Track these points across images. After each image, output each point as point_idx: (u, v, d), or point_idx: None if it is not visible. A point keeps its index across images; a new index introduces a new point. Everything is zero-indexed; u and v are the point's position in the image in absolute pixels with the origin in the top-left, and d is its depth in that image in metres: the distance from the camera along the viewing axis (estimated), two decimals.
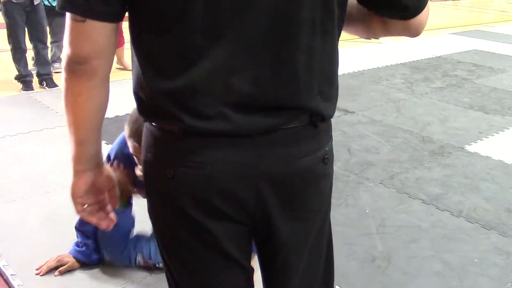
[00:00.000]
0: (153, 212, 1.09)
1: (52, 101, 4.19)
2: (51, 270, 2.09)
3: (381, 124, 3.99)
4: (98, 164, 1.07)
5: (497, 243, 2.45)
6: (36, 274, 2.08)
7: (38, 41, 4.50)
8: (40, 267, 2.10)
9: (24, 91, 4.50)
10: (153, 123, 1.01)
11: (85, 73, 0.94)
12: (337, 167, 3.20)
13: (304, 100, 0.98)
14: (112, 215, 1.13)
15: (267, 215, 1.03)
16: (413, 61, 6.25)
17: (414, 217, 2.66)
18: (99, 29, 0.91)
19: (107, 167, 1.11)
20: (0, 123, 3.57)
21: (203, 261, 1.07)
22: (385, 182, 3.03)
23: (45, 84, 4.62)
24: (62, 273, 2.09)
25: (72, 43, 0.93)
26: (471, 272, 2.23)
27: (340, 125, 3.95)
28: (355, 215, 2.65)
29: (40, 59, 4.58)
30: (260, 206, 1.02)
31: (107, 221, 1.13)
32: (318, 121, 1.02)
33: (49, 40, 4.79)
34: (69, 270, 2.10)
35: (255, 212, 1.03)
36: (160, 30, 0.92)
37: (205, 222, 1.01)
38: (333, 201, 2.93)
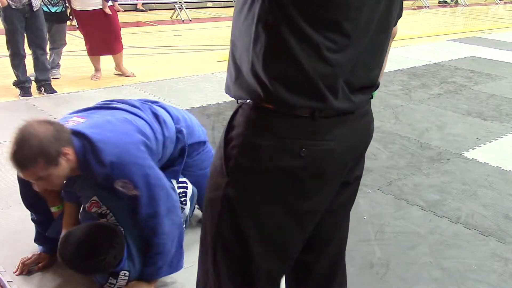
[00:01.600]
0: (250, 194, 1.18)
1: (51, 107, 4.19)
2: (30, 267, 2.11)
3: (379, 131, 4.00)
4: None
5: (495, 249, 2.45)
6: (14, 272, 2.10)
7: (37, 47, 4.50)
8: (17, 269, 2.11)
9: (23, 97, 4.50)
10: (283, 107, 1.11)
11: None
12: None
13: (378, 77, 1.26)
14: None
15: (353, 177, 1.32)
16: (411, 67, 6.27)
17: (412, 223, 2.66)
18: None
19: None
20: None
21: (287, 234, 1.25)
22: (383, 188, 3.03)
23: (43, 90, 4.62)
24: (41, 269, 2.11)
25: None
26: (470, 279, 2.23)
27: None
28: (353, 221, 2.63)
29: (39, 65, 4.58)
30: (352, 165, 1.27)
31: None
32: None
33: (48, 46, 4.80)
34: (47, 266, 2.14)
35: (346, 177, 1.27)
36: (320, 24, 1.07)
37: (314, 191, 1.20)
38: None
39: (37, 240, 2.19)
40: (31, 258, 2.13)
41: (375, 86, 1.25)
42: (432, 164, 3.41)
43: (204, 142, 2.43)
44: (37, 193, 2.05)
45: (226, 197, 1.20)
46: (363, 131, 1.27)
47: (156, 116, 2.14)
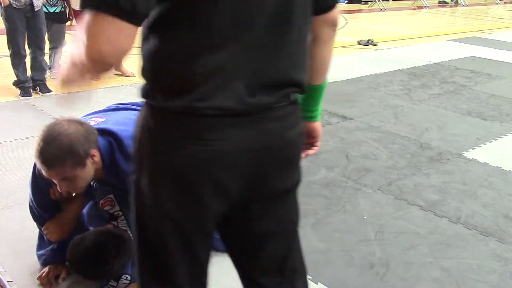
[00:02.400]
0: (152, 188, 1.15)
1: (51, 107, 4.19)
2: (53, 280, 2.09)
3: (379, 131, 4.00)
4: None
5: (495, 249, 2.45)
6: None
7: (36, 47, 4.51)
8: (45, 285, 2.08)
9: (23, 97, 4.50)
10: (168, 105, 1.07)
11: (106, 70, 1.02)
12: (335, 173, 3.20)
13: (296, 76, 1.14)
14: None
15: (262, 184, 1.18)
16: (411, 67, 6.27)
17: (412, 223, 2.66)
18: (130, 29, 0.95)
19: None
20: None
21: (188, 235, 1.18)
22: (383, 188, 3.03)
23: (38, 90, 4.63)
24: (64, 280, 2.09)
25: (111, 40, 0.94)
26: (470, 279, 2.23)
27: (338, 131, 3.95)
28: (353, 221, 2.65)
29: (36, 65, 4.59)
30: (258, 176, 1.16)
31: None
32: (295, 99, 1.18)
33: (47, 46, 4.80)
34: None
35: (252, 183, 1.16)
36: (189, 20, 1.02)
37: (206, 197, 1.12)
38: (331, 207, 2.95)
39: (48, 258, 2.14)
40: (49, 272, 2.09)
41: (291, 86, 1.14)
42: (432, 164, 3.41)
43: None
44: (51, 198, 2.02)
45: (135, 189, 1.21)
46: (274, 137, 1.14)
47: None
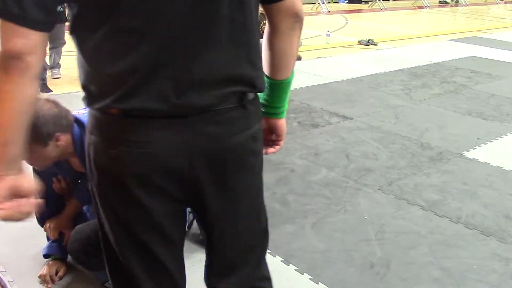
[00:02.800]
0: (97, 189, 1.17)
1: None
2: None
3: (380, 130, 4.00)
4: (20, 169, 1.02)
5: (495, 249, 2.45)
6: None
7: None
8: (45, 281, 2.08)
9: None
10: (96, 107, 1.08)
11: (19, 68, 0.96)
12: (336, 173, 3.20)
13: (236, 71, 1.08)
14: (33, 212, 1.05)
15: (200, 189, 1.13)
16: (412, 67, 6.27)
17: (413, 223, 2.66)
18: (34, 33, 0.96)
19: (28, 174, 1.05)
20: None
21: (138, 235, 1.15)
22: (384, 188, 3.03)
23: (39, 89, 4.63)
24: (61, 278, 2.10)
25: (7, 40, 0.96)
26: (470, 279, 2.23)
27: (338, 131, 3.95)
28: (353, 221, 2.65)
29: None
30: (194, 181, 1.11)
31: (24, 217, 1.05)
32: (247, 102, 1.13)
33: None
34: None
35: (190, 187, 1.12)
36: (99, 21, 1.00)
37: (144, 198, 1.10)
38: (331, 207, 2.95)
39: (50, 248, 2.16)
40: (49, 269, 2.10)
41: (232, 85, 1.08)
42: (432, 164, 3.41)
43: None
44: (54, 191, 2.07)
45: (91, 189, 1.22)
46: (212, 142, 1.09)
47: None
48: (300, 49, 6.61)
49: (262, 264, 1.37)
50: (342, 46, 7.72)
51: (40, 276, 2.09)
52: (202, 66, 1.04)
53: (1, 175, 0.99)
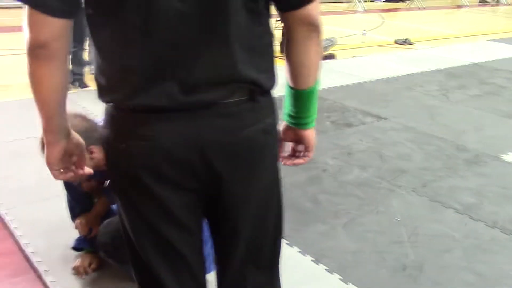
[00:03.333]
0: (114, 183, 1.22)
1: (88, 102, 4.27)
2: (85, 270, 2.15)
3: (415, 131, 3.94)
4: (67, 134, 1.18)
5: None
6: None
7: (76, 41, 4.60)
8: (79, 273, 2.14)
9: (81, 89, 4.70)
10: (106, 101, 1.13)
11: (45, 56, 1.03)
12: (369, 173, 3.17)
13: (240, 72, 1.08)
14: (87, 170, 1.28)
15: (216, 178, 1.14)
16: (449, 67, 6.15)
17: (447, 226, 2.61)
18: (54, 21, 1.01)
19: (76, 135, 1.22)
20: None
21: (154, 225, 1.17)
22: (418, 190, 2.98)
23: (77, 84, 4.77)
24: (95, 270, 2.15)
25: (32, 29, 1.01)
26: (505, 285, 2.17)
27: (372, 131, 3.91)
28: (386, 222, 2.62)
29: (76, 60, 4.70)
30: (209, 172, 1.13)
31: (82, 174, 1.27)
32: (258, 95, 1.13)
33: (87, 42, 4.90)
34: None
35: (204, 178, 1.14)
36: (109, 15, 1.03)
37: (158, 191, 1.13)
38: (363, 207, 2.92)
39: (80, 242, 2.21)
40: (83, 261, 2.15)
41: (239, 83, 1.09)
42: (468, 166, 3.34)
43: None
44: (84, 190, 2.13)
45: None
46: (222, 134, 1.10)
47: None
48: (334, 48, 6.60)
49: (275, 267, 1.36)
50: (378, 46, 7.63)
51: (74, 268, 2.14)
52: (206, 67, 1.06)
53: (53, 142, 1.15)
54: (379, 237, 2.49)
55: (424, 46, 7.66)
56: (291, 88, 1.23)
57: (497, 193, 2.98)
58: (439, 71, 5.97)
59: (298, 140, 1.31)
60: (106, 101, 1.13)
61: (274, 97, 1.20)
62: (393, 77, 5.60)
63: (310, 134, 1.30)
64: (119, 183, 1.19)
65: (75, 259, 2.18)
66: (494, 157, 3.50)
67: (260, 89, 1.13)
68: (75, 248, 2.20)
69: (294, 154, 1.35)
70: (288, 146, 1.35)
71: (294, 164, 1.34)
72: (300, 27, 1.13)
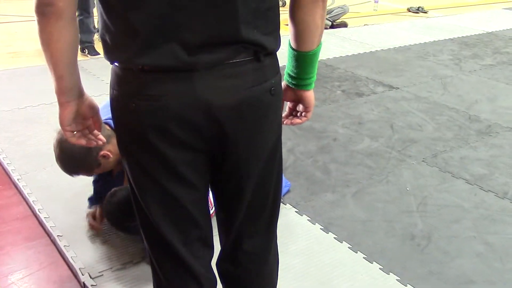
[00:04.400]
0: (121, 143, 1.23)
1: (99, 69, 4.27)
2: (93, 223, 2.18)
3: (426, 101, 3.90)
4: (80, 95, 1.19)
5: None
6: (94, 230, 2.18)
7: (84, 9, 4.60)
8: (92, 228, 2.18)
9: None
10: (115, 63, 1.13)
11: (53, 14, 1.04)
12: (379, 143, 3.16)
13: (243, 34, 1.08)
14: (101, 137, 1.30)
15: (223, 138, 1.15)
16: (463, 36, 6.04)
17: (457, 197, 2.61)
18: None
19: (88, 97, 1.22)
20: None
21: (161, 183, 1.19)
22: (428, 160, 2.97)
23: (86, 52, 4.78)
24: (101, 222, 2.17)
25: None
26: None
27: (384, 100, 3.88)
28: (396, 192, 2.63)
29: (83, 27, 4.70)
30: (215, 131, 1.14)
31: (95, 142, 1.29)
32: (262, 55, 1.13)
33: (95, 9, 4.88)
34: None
35: (210, 138, 1.15)
36: None
37: (164, 149, 1.14)
38: (373, 177, 2.92)
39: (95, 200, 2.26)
40: (95, 211, 2.17)
41: (244, 44, 1.09)
42: (480, 137, 3.32)
43: None
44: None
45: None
46: (228, 94, 1.11)
47: None
48: (346, 16, 6.50)
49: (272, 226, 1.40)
50: (390, 14, 7.51)
51: (88, 217, 2.19)
52: (210, 27, 1.06)
53: (64, 102, 1.17)
54: (388, 206, 2.50)
55: (438, 14, 7.53)
56: (294, 50, 1.25)
57: (509, 164, 2.97)
58: (452, 40, 5.88)
59: (298, 100, 1.34)
60: (112, 60, 1.14)
61: (276, 57, 1.21)
62: (406, 46, 5.52)
63: (310, 95, 1.32)
64: (126, 142, 1.20)
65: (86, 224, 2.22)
66: (506, 128, 3.46)
67: (265, 51, 1.13)
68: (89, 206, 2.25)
69: (291, 113, 1.38)
70: (286, 106, 1.38)
71: (292, 124, 1.37)
72: None
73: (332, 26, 6.43)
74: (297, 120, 1.37)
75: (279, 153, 1.31)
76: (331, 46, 5.36)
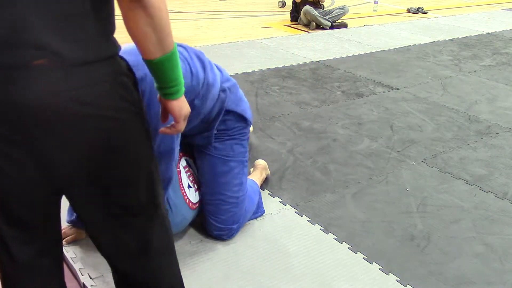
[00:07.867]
0: None
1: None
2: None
3: (426, 102, 3.90)
4: None
5: None
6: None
7: None
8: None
9: None
10: None
11: None
12: (379, 143, 3.16)
13: (35, 37, 1.02)
14: None
15: (30, 140, 1.08)
16: (462, 37, 6.05)
17: (456, 197, 2.61)
18: None
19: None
20: None
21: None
22: (428, 160, 2.97)
23: None
24: (68, 243, 2.09)
25: None
26: None
27: (383, 101, 3.88)
28: (395, 193, 2.63)
29: None
30: (24, 133, 1.07)
31: None
32: (67, 64, 1.05)
33: None
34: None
35: (20, 140, 1.08)
36: None
37: None
38: (373, 177, 2.93)
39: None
40: (64, 231, 2.09)
41: (27, 47, 1.03)
42: (480, 137, 3.32)
43: (246, 121, 2.20)
44: None
45: None
46: (26, 95, 1.04)
47: (200, 59, 1.95)
48: (346, 16, 6.52)
49: None
50: (390, 14, 7.51)
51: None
52: (5, 25, 1.02)
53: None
54: (388, 207, 2.50)
55: (437, 15, 7.53)
56: (143, 59, 1.20)
57: (508, 164, 2.97)
58: (452, 40, 5.88)
59: (167, 110, 1.28)
60: None
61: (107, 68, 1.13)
62: (405, 46, 5.52)
63: (175, 105, 1.25)
64: None
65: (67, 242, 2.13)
66: (506, 129, 3.47)
67: (62, 59, 1.05)
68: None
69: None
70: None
71: (162, 132, 1.34)
72: (121, 0, 1.10)
73: (332, 27, 6.44)
74: (166, 130, 1.33)
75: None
76: (330, 47, 5.36)
